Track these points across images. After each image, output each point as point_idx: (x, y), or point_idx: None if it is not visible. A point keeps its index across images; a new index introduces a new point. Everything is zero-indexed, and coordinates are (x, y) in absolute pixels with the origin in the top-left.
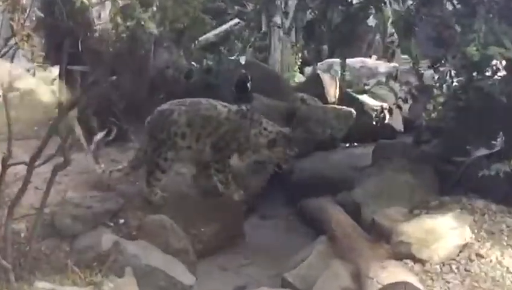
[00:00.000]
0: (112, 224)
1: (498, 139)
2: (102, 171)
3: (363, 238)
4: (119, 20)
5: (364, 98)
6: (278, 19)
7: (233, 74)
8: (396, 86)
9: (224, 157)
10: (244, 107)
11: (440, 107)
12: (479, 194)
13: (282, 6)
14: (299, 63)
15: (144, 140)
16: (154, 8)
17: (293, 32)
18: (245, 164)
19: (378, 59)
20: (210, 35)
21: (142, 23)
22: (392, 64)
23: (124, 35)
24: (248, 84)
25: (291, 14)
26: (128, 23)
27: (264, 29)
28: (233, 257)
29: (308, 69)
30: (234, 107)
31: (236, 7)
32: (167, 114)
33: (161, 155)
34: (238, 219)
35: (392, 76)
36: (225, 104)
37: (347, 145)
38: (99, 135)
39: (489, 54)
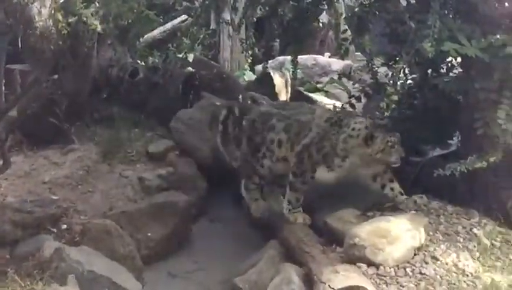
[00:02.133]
0: (54, 230)
1: (454, 139)
2: None
3: (315, 241)
4: (60, 16)
5: (317, 96)
6: (227, 15)
7: (181, 72)
8: (349, 84)
9: (305, 171)
10: (335, 116)
11: (394, 106)
12: (435, 194)
13: (232, 1)
14: (249, 61)
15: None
16: (97, 4)
17: (243, 29)
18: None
19: (331, 56)
20: (156, 32)
21: (85, 19)
22: (346, 61)
23: (66, 32)
24: (196, 83)
25: (241, 10)
26: (69, 20)
27: (213, 26)
28: (182, 263)
29: (259, 67)
30: (326, 114)
31: (184, 3)
32: (266, 118)
33: (259, 161)
34: (186, 223)
35: (345, 74)
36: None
37: None
38: None
39: (444, 50)
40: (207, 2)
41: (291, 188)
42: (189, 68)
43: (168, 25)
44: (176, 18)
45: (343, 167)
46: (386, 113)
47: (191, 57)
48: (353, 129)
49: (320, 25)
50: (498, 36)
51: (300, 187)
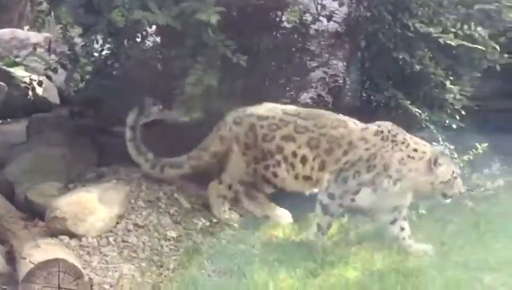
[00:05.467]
0: None
1: (155, 107)
2: (151, 165)
3: (18, 217)
4: None
5: (16, 70)
6: None
7: None
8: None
9: (346, 192)
10: (384, 127)
11: (88, 76)
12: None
13: None
14: None
15: (217, 141)
16: None
17: None
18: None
19: (30, 29)
20: None
21: None
22: (45, 34)
23: None
24: None
25: None
26: None
27: None
28: None
29: None
30: (373, 127)
31: None
32: (276, 123)
33: (269, 169)
34: None
35: (42, 46)
36: (356, 121)
37: None
38: (132, 115)
39: (135, 18)
40: None
41: (325, 211)
42: None
43: None
44: None
45: (390, 191)
46: (81, 85)
47: None
48: (415, 150)
49: None
50: (188, 3)
51: (336, 211)
